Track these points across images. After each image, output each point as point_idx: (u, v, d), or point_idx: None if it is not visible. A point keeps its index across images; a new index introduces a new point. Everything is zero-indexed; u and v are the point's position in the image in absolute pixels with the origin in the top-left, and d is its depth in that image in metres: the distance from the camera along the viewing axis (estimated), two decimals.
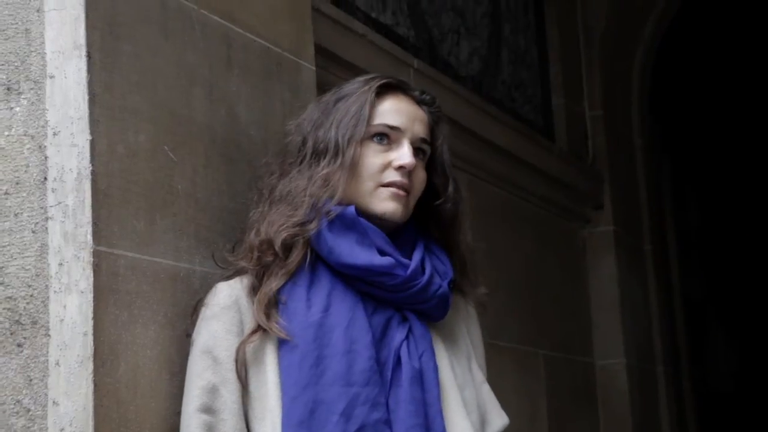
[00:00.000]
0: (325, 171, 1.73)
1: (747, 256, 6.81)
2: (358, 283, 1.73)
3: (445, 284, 1.77)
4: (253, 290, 1.73)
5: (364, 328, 1.70)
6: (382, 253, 1.72)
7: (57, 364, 1.62)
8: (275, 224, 1.72)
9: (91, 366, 1.61)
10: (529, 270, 3.76)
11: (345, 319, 1.69)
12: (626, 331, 4.23)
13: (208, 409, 1.66)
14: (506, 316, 3.55)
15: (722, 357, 6.29)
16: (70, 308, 1.63)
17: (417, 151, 1.79)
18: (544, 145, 3.98)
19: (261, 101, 2.08)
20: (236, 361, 1.68)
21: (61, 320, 1.63)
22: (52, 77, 1.69)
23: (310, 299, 1.71)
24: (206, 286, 1.81)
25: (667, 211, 5.52)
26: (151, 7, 1.83)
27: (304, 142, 1.79)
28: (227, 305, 1.72)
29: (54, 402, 1.61)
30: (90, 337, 1.61)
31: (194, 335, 1.73)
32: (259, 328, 1.69)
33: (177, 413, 1.73)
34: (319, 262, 1.74)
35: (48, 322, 1.64)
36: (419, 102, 1.84)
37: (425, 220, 1.83)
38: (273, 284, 1.70)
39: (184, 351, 1.78)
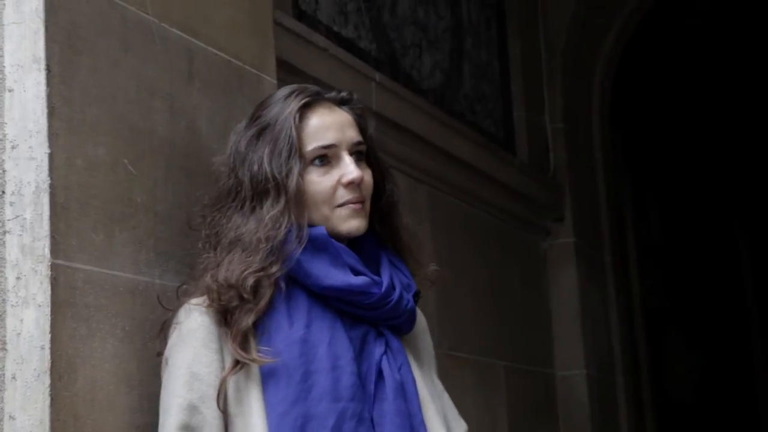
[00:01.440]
0: (273, 212, 1.71)
1: (707, 268, 6.89)
2: (335, 302, 1.74)
3: (411, 298, 1.80)
4: (222, 321, 1.70)
5: (345, 344, 1.71)
6: (355, 272, 1.74)
7: (13, 378, 1.61)
8: (236, 270, 1.68)
9: (48, 380, 1.60)
10: (490, 282, 3.79)
11: (327, 336, 1.71)
12: (587, 342, 4.27)
13: (187, 427, 1.65)
14: (467, 328, 3.57)
15: (682, 368, 6.35)
16: (27, 322, 1.62)
17: (356, 155, 1.79)
18: (506, 158, 4.01)
19: (222, 115, 2.08)
20: (219, 392, 1.66)
21: (18, 334, 1.62)
22: (11, 90, 1.69)
23: (291, 317, 1.71)
24: (165, 300, 1.81)
25: (627, 223, 5.58)
26: (111, 20, 1.83)
27: (239, 183, 1.76)
28: (204, 324, 1.70)
29: (10, 416, 1.60)
30: (47, 351, 1.61)
31: (167, 353, 1.72)
32: (238, 362, 1.68)
33: (136, 427, 1.74)
34: (292, 283, 1.74)
35: (5, 336, 1.63)
36: (340, 104, 1.82)
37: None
38: (246, 320, 1.68)
39: (143, 365, 1.78)
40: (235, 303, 1.69)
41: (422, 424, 1.73)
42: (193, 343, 1.69)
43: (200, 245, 1.79)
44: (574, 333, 4.25)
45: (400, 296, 1.77)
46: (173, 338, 1.72)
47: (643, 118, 5.97)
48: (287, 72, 2.54)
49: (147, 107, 1.89)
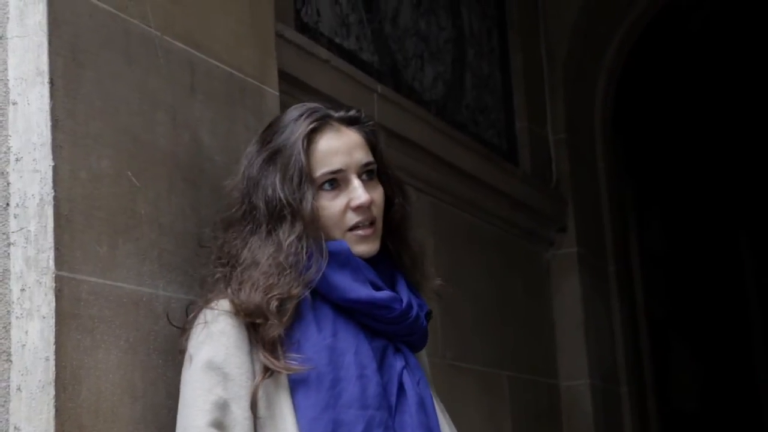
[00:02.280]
0: (290, 238, 1.73)
1: (711, 276, 6.88)
2: (357, 315, 1.76)
3: (423, 316, 1.83)
4: (251, 327, 1.71)
5: (370, 354, 1.74)
6: (375, 287, 1.77)
7: (18, 389, 1.62)
8: (259, 293, 1.70)
9: (52, 391, 1.61)
10: (493, 292, 3.79)
11: (353, 345, 1.73)
12: (590, 352, 4.27)
13: (220, 425, 1.65)
14: (471, 339, 3.58)
15: (686, 376, 6.34)
16: (32, 333, 1.63)
17: (366, 174, 1.81)
18: (508, 169, 4.01)
19: (224, 126, 2.10)
20: (252, 398, 1.67)
21: (23, 345, 1.63)
22: (14, 104, 1.70)
23: (318, 324, 1.73)
24: (169, 311, 1.82)
25: (631, 233, 5.57)
26: (113, 33, 1.85)
27: (253, 207, 1.78)
28: (234, 323, 1.71)
29: (15, 427, 1.61)
30: (52, 363, 1.62)
31: (192, 351, 1.71)
32: (268, 370, 1.69)
33: None
34: (318, 296, 1.76)
35: (9, 348, 1.64)
36: (349, 124, 1.84)
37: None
38: (275, 331, 1.69)
39: (146, 376, 1.79)
40: (259, 320, 1.70)
41: None
42: (225, 342, 1.70)
43: (211, 264, 1.80)
44: (577, 343, 4.25)
45: (417, 314, 1.80)
46: (201, 336, 1.71)
47: (645, 127, 5.97)
48: (289, 84, 2.55)
49: (150, 119, 1.90)
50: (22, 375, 1.62)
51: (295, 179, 1.75)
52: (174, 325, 1.80)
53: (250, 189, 1.79)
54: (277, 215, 1.75)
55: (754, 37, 6.05)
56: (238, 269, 1.75)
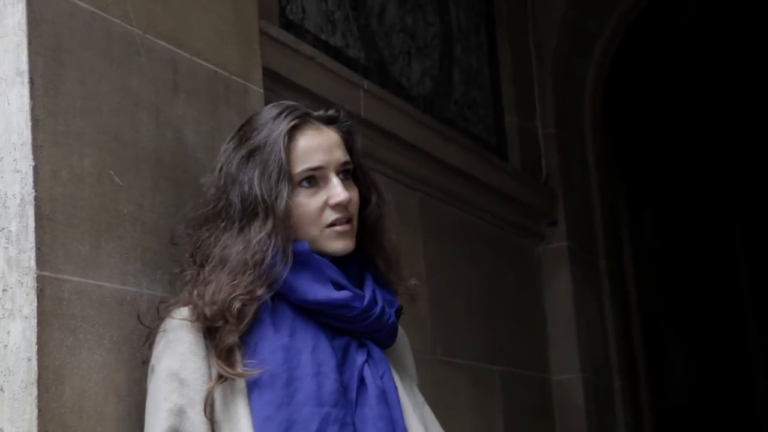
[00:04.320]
0: (260, 235, 1.73)
1: (704, 269, 6.89)
2: (318, 315, 1.77)
3: (393, 313, 1.83)
4: (208, 334, 1.72)
5: (329, 352, 1.74)
6: (337, 286, 1.77)
7: (1, 390, 1.62)
8: (223, 292, 1.71)
9: (35, 391, 1.61)
10: (484, 287, 3.79)
11: (310, 344, 1.73)
12: (582, 346, 4.27)
13: (177, 431, 1.66)
14: (461, 334, 3.58)
15: (680, 370, 6.35)
16: (14, 334, 1.63)
17: (343, 174, 1.82)
18: (498, 164, 4.01)
19: (208, 124, 2.09)
20: (205, 401, 1.67)
21: (5, 346, 1.63)
22: None
23: (275, 325, 1.74)
24: (153, 310, 1.82)
25: (622, 226, 5.57)
26: (94, 32, 1.84)
27: (229, 203, 1.78)
28: (189, 329, 1.72)
29: None
30: (34, 363, 1.62)
31: (154, 361, 1.73)
32: (222, 376, 1.69)
33: None
34: (277, 297, 1.76)
35: None
36: (327, 122, 1.85)
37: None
38: (230, 338, 1.70)
39: (131, 375, 1.79)
40: (219, 323, 1.70)
41: (404, 430, 1.76)
42: (180, 349, 1.71)
43: (184, 262, 1.81)
44: (569, 337, 4.25)
45: (382, 310, 1.80)
46: (160, 346, 1.73)
47: (636, 121, 5.97)
48: (274, 81, 2.55)
49: (132, 118, 1.90)
50: (4, 375, 1.62)
51: (273, 176, 1.75)
52: (145, 326, 1.80)
53: (227, 186, 1.79)
54: (251, 212, 1.75)
55: (746, 29, 6.06)
56: (207, 268, 1.75)
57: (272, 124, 1.80)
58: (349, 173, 1.84)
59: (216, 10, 2.17)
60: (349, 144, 1.85)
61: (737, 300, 7.44)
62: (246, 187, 1.76)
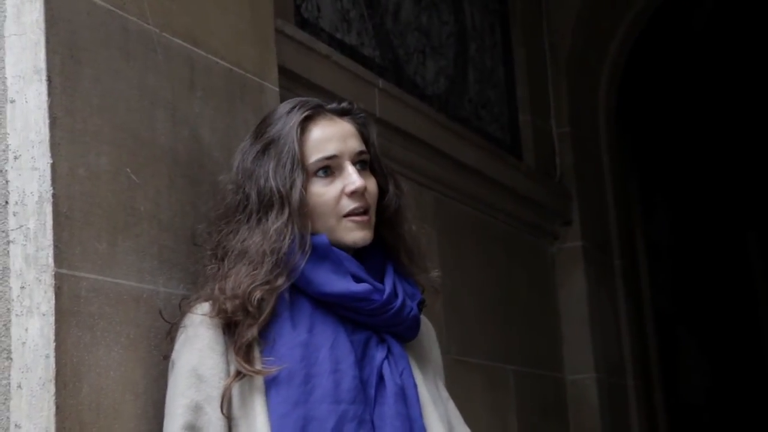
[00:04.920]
0: (276, 225, 1.74)
1: (717, 269, 6.87)
2: (337, 308, 1.76)
3: (415, 306, 1.82)
4: (227, 327, 1.73)
5: (347, 348, 1.74)
6: (357, 279, 1.76)
7: (19, 386, 1.62)
8: (243, 283, 1.71)
9: (53, 388, 1.61)
10: (498, 287, 3.79)
11: (329, 340, 1.73)
12: (596, 346, 4.26)
13: (193, 427, 1.67)
14: (476, 333, 3.57)
15: (694, 370, 6.33)
16: (32, 331, 1.63)
17: (359, 164, 1.82)
18: (512, 163, 4.01)
19: (224, 123, 2.10)
20: (222, 399, 1.68)
21: (23, 343, 1.63)
22: (12, 101, 1.70)
23: (293, 321, 1.73)
24: (170, 307, 1.82)
25: (636, 226, 5.56)
26: (112, 30, 1.85)
27: (246, 197, 1.79)
28: (209, 324, 1.72)
29: (16, 425, 1.61)
30: (52, 360, 1.62)
31: (174, 356, 1.74)
32: (240, 372, 1.70)
33: None
34: (297, 291, 1.76)
35: (10, 345, 1.64)
36: (341, 114, 1.85)
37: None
38: (249, 333, 1.70)
39: (148, 372, 1.79)
40: (239, 316, 1.71)
41: (422, 428, 1.75)
42: (199, 345, 1.71)
43: (206, 259, 1.81)
44: (583, 336, 4.25)
45: (403, 304, 1.79)
46: (180, 341, 1.74)
47: (650, 120, 5.96)
48: (289, 80, 2.55)
49: (149, 116, 1.90)
50: (22, 372, 1.63)
51: (287, 166, 1.76)
52: (166, 321, 1.80)
53: (244, 180, 1.80)
54: (267, 203, 1.76)
55: (760, 28, 6.03)
56: (226, 262, 1.75)
57: (286, 117, 1.81)
58: (366, 164, 1.83)
59: (232, 8, 2.18)
60: (364, 135, 1.85)
61: (751, 299, 7.42)
62: (262, 181, 1.77)
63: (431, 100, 3.53)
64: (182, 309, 1.79)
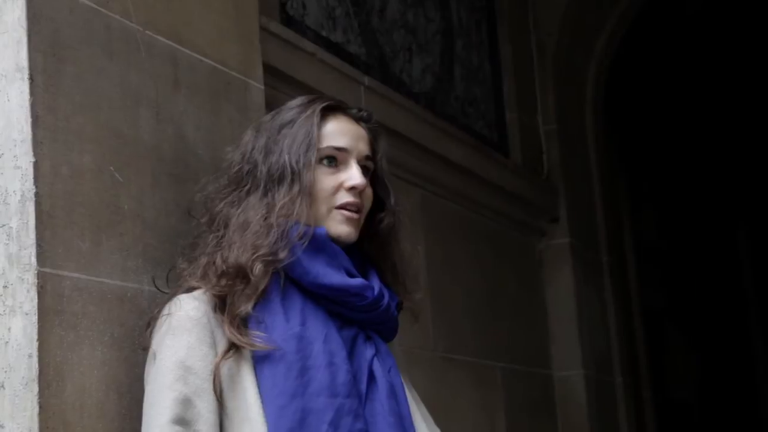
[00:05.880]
0: (287, 198, 1.75)
1: (706, 265, 6.88)
2: (326, 302, 1.77)
3: (394, 307, 1.84)
4: (218, 308, 1.72)
5: (339, 343, 1.74)
6: (349, 274, 1.78)
7: (2, 386, 1.62)
8: (246, 253, 1.72)
9: (36, 388, 1.60)
10: (485, 284, 3.79)
11: (321, 334, 1.73)
12: (584, 343, 4.27)
13: (182, 421, 1.64)
14: (463, 331, 3.57)
15: (682, 366, 6.35)
16: (15, 330, 1.63)
17: (363, 168, 1.84)
18: (499, 160, 4.01)
19: (209, 121, 2.09)
20: (214, 377, 1.67)
21: (6, 342, 1.63)
22: None
23: (286, 313, 1.73)
24: (154, 306, 1.81)
25: (624, 223, 5.58)
26: (95, 28, 1.84)
27: (255, 170, 1.80)
28: (197, 317, 1.70)
29: None
30: (35, 359, 1.61)
31: (156, 347, 1.70)
32: (232, 347, 1.69)
33: None
34: (287, 281, 1.76)
35: None
36: (358, 120, 1.88)
37: (366, 231, 1.87)
38: (243, 306, 1.70)
39: (132, 371, 1.78)
40: (239, 287, 1.71)
41: (412, 426, 1.78)
42: (186, 336, 1.69)
43: (203, 228, 1.82)
44: (571, 333, 4.25)
45: (389, 303, 1.81)
46: (163, 331, 1.70)
47: (637, 116, 5.97)
48: (275, 78, 2.54)
49: (132, 114, 1.90)
50: (5, 372, 1.62)
51: (303, 146, 1.78)
52: (160, 290, 1.80)
53: (255, 154, 1.81)
54: (278, 177, 1.77)
55: (748, 23, 6.05)
56: (229, 231, 1.76)
57: (306, 104, 1.84)
58: (368, 172, 1.86)
59: (216, 6, 2.17)
60: (373, 146, 1.88)
61: (740, 296, 7.44)
62: (275, 156, 1.79)
63: (418, 98, 3.53)
64: (173, 281, 1.79)
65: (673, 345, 6.22)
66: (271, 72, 2.47)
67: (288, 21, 2.84)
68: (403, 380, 1.85)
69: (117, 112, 1.86)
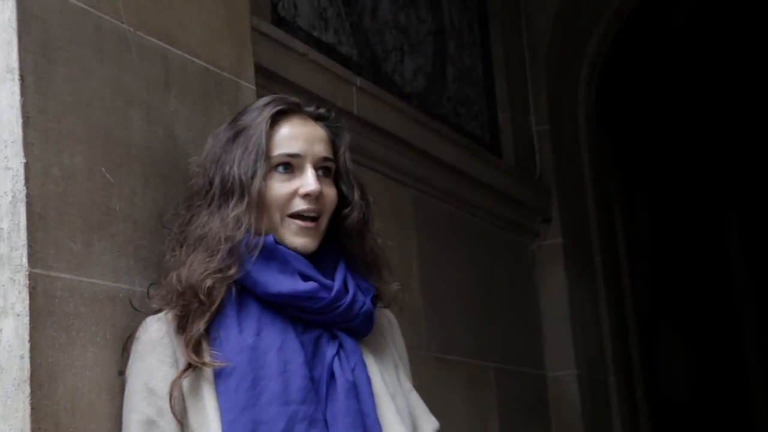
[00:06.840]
0: (235, 212, 1.74)
1: (699, 265, 6.90)
2: (286, 308, 1.76)
3: (368, 301, 1.81)
4: (180, 328, 1.73)
5: (297, 349, 1.73)
6: (305, 277, 1.76)
7: None
8: (196, 271, 1.72)
9: (28, 389, 1.60)
10: (478, 284, 3.79)
11: (277, 342, 1.72)
12: (577, 343, 4.27)
13: None
14: (456, 331, 3.57)
15: (675, 366, 6.35)
16: (6, 331, 1.62)
17: (323, 170, 1.82)
18: (492, 161, 4.01)
19: (200, 121, 2.09)
20: (170, 396, 1.68)
21: None
22: None
23: (240, 325, 1.73)
24: (146, 307, 1.82)
25: (617, 223, 5.58)
26: (85, 29, 1.84)
27: (210, 182, 1.80)
28: (158, 338, 1.73)
29: None
30: (27, 360, 1.61)
31: (127, 371, 1.74)
32: (189, 366, 1.70)
33: None
34: (245, 291, 1.76)
35: None
36: (316, 119, 1.86)
37: (336, 228, 1.86)
38: (198, 325, 1.71)
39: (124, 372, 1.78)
40: (195, 305, 1.71)
41: (376, 422, 1.74)
42: (148, 358, 1.72)
43: (169, 243, 1.82)
44: (564, 333, 4.25)
45: (353, 299, 1.78)
46: (132, 355, 1.75)
47: (629, 116, 5.98)
48: (266, 78, 2.54)
49: (123, 115, 1.89)
50: None
51: (252, 156, 1.77)
52: (135, 309, 1.80)
53: (210, 165, 1.81)
54: (228, 190, 1.77)
55: (738, 24, 6.06)
56: (185, 248, 1.76)
57: (261, 109, 1.83)
58: (330, 172, 1.84)
59: (207, 6, 2.17)
60: (335, 144, 1.86)
61: (732, 296, 7.45)
62: (227, 167, 1.78)
63: (410, 98, 3.53)
64: (149, 298, 1.79)
65: (666, 344, 6.22)
66: (262, 72, 2.47)
67: (279, 21, 2.84)
68: (386, 372, 1.83)
69: (108, 113, 1.86)
